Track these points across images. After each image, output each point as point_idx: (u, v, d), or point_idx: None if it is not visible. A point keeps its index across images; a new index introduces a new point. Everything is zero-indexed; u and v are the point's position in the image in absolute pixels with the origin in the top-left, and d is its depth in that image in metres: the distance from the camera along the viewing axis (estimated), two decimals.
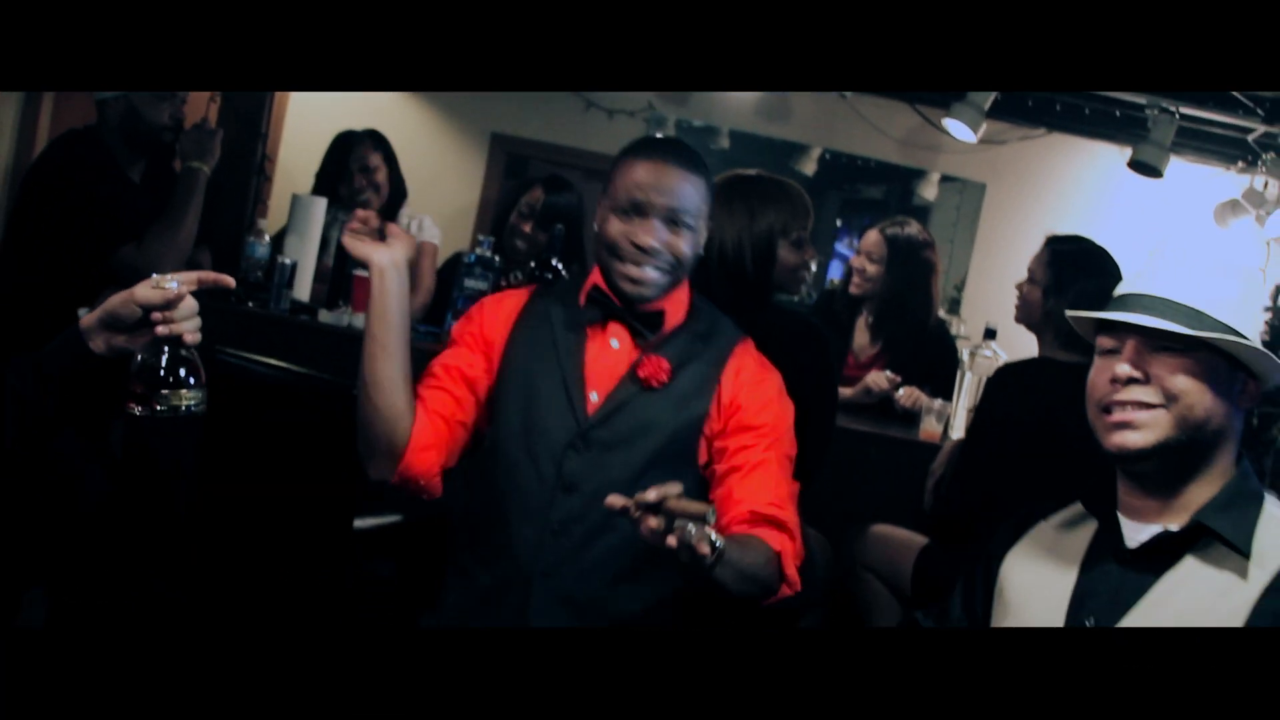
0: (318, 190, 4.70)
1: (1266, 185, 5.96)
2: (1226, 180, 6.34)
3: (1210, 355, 1.95)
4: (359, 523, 3.40)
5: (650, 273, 2.43)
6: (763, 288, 3.07)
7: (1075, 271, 3.58)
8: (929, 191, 7.00)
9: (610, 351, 2.48)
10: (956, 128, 5.66)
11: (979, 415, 3.53)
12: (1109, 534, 2.05)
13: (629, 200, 2.42)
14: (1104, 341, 2.04)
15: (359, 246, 2.42)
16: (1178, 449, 1.95)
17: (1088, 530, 2.10)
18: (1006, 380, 3.46)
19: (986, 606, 2.15)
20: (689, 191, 2.45)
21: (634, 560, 2.40)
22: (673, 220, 2.42)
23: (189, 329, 1.93)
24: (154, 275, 1.94)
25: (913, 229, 4.70)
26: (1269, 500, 1.99)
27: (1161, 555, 1.96)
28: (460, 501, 2.61)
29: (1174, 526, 1.97)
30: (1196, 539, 1.94)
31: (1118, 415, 1.97)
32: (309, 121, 6.18)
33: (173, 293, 1.92)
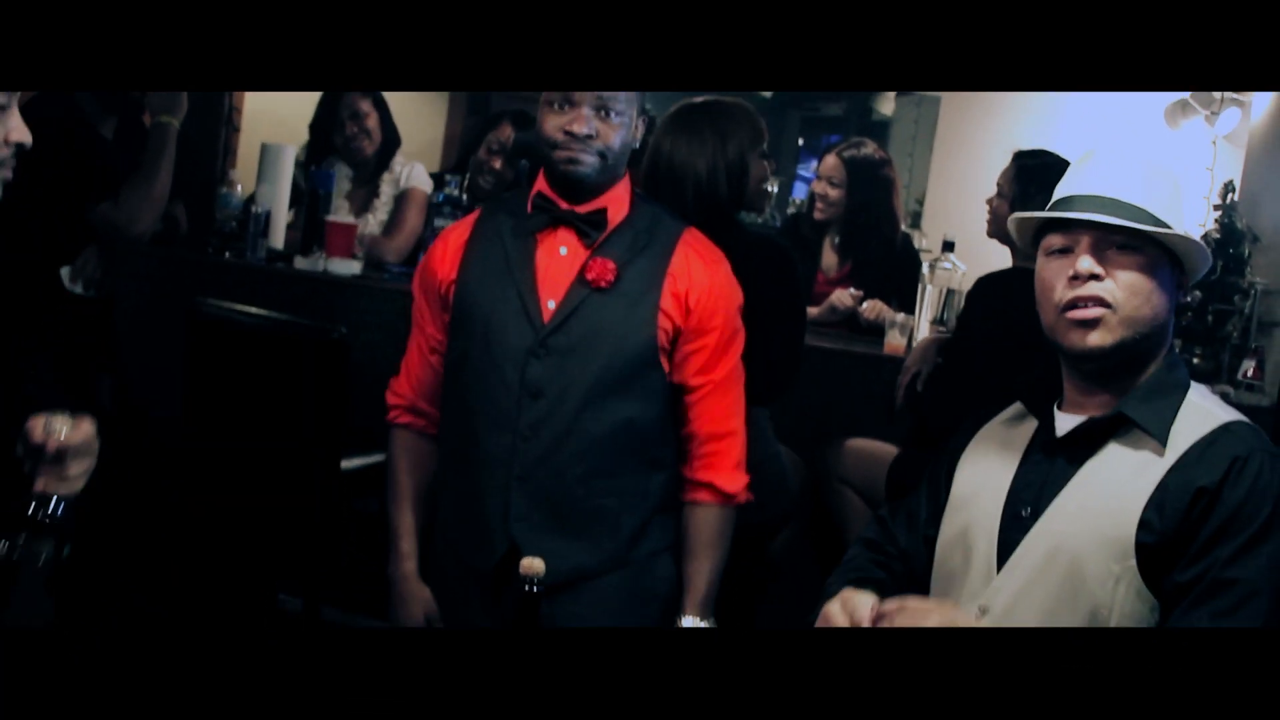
0: (313, 142, 4.77)
1: None
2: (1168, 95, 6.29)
3: (1157, 251, 2.02)
4: (346, 463, 3.52)
5: (585, 156, 2.51)
6: (734, 209, 3.17)
7: (1041, 185, 3.63)
8: (886, 107, 7.05)
9: (559, 258, 2.56)
10: None
11: (960, 325, 3.62)
12: (1045, 428, 2.13)
13: (560, 93, 2.51)
14: (1054, 240, 2.07)
15: None
16: (1131, 345, 2.01)
17: (1030, 426, 2.17)
18: (984, 290, 3.53)
19: (945, 502, 2.24)
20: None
21: (604, 458, 2.53)
22: (602, 109, 2.50)
23: (65, 486, 1.88)
24: (47, 421, 1.90)
25: (869, 149, 4.80)
26: (1194, 390, 2.07)
27: (1088, 443, 2.05)
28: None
29: (1098, 415, 2.06)
30: (1118, 426, 2.03)
31: (1079, 313, 2.01)
32: None
33: (54, 443, 1.88)
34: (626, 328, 2.53)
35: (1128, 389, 2.05)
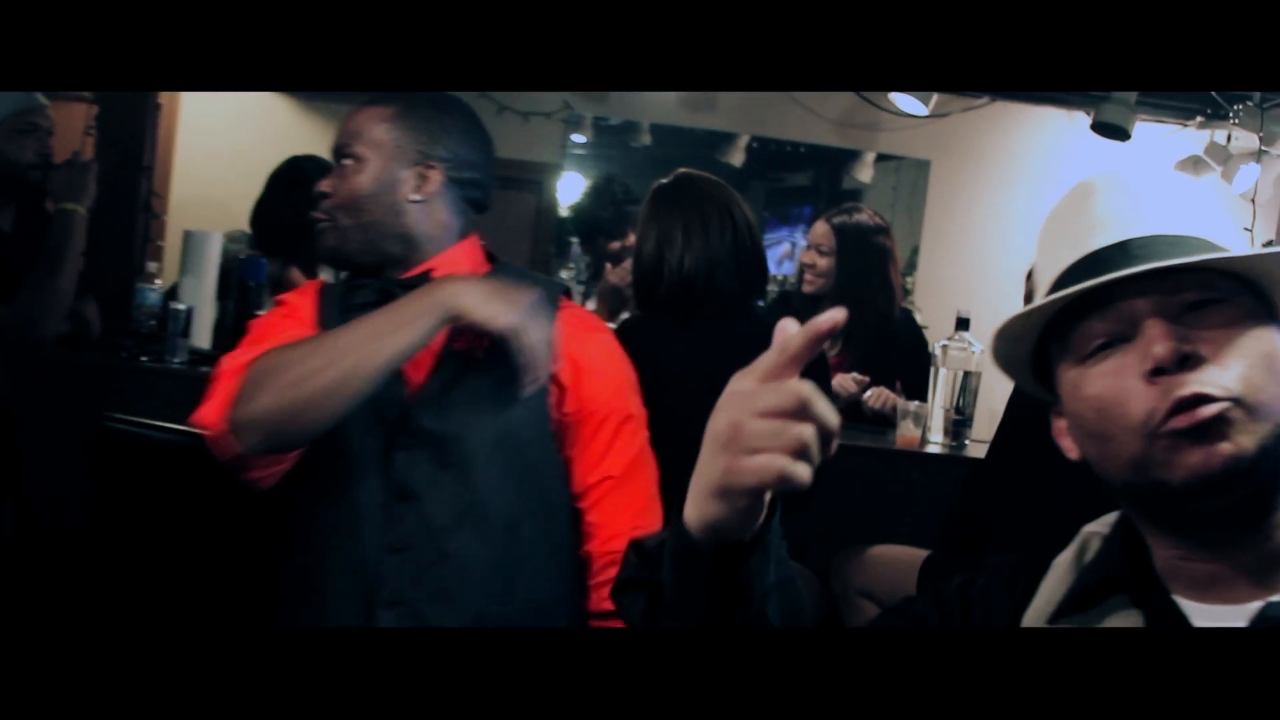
0: (261, 225, 4.29)
1: (1230, 138, 5.69)
2: (1184, 138, 6.10)
3: (1246, 297, 1.29)
4: None
5: (324, 223, 2.12)
6: (755, 298, 2.87)
7: None
8: (863, 174, 6.70)
9: None
10: (906, 101, 5.33)
11: (1010, 413, 3.21)
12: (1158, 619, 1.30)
13: None
14: (1093, 332, 1.31)
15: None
16: (1271, 452, 1.22)
17: (1124, 616, 1.32)
18: None
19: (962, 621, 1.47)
20: (357, 121, 2.13)
21: (502, 571, 2.03)
22: (340, 157, 2.11)
23: None
24: None
25: (863, 215, 4.36)
26: None
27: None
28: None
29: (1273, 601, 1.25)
30: None
31: (1186, 418, 1.21)
32: (201, 152, 5.80)
33: None
34: (506, 408, 2.04)
35: (1265, 532, 1.26)
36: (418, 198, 2.11)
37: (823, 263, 4.28)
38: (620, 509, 2.09)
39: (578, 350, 2.08)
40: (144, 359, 3.69)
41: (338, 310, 2.12)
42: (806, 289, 4.32)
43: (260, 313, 3.74)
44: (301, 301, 2.21)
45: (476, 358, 2.04)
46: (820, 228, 4.33)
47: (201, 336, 3.83)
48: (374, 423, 2.02)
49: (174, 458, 3.00)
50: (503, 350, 1.99)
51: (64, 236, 3.47)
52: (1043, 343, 1.38)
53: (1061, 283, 1.35)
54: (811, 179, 7.30)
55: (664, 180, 2.91)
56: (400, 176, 2.10)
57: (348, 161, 2.10)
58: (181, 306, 3.66)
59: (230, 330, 3.84)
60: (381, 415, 2.02)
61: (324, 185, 2.11)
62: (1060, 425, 1.39)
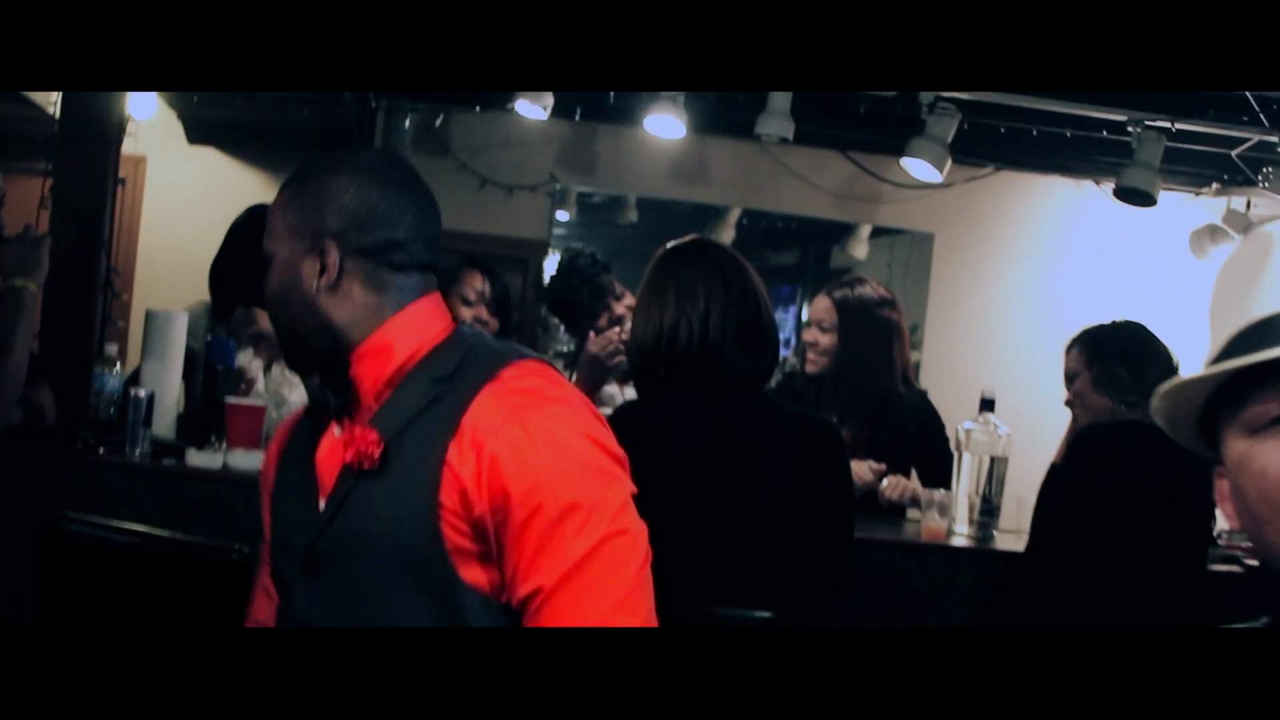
0: (217, 299, 4.09)
1: (1249, 205, 5.52)
2: (1197, 207, 5.98)
3: None
4: None
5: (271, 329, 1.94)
6: (767, 378, 2.61)
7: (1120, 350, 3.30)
8: (858, 249, 6.50)
9: (334, 440, 1.82)
10: (918, 167, 5.08)
11: (1064, 491, 3.15)
12: None
13: None
14: (1268, 404, 1.19)
15: None
16: None
17: None
18: (1102, 444, 3.12)
19: None
20: (272, 214, 1.86)
21: None
22: (267, 260, 1.85)
23: None
24: None
25: (866, 288, 4.08)
26: None
27: None
28: None
29: None
30: None
31: None
32: (165, 224, 5.60)
33: None
34: (395, 523, 1.71)
35: None
36: (322, 284, 1.80)
37: (825, 340, 4.00)
38: (562, 624, 1.67)
39: (493, 435, 1.69)
40: (102, 450, 3.47)
41: (303, 429, 1.92)
42: (810, 369, 4.05)
43: (230, 399, 3.49)
44: (274, 441, 2.05)
45: (364, 469, 1.74)
46: (822, 303, 4.06)
47: (165, 425, 3.61)
48: (288, 554, 1.84)
49: (133, 562, 2.80)
50: (395, 451, 1.73)
51: (12, 316, 3.27)
52: (1210, 404, 1.28)
53: (1233, 348, 1.23)
54: (798, 257, 7.12)
55: (677, 242, 2.64)
56: (300, 268, 1.81)
57: (271, 265, 1.85)
58: (143, 393, 3.44)
59: (198, 418, 3.60)
60: (297, 545, 1.81)
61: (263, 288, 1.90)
62: (1223, 489, 1.29)
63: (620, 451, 1.74)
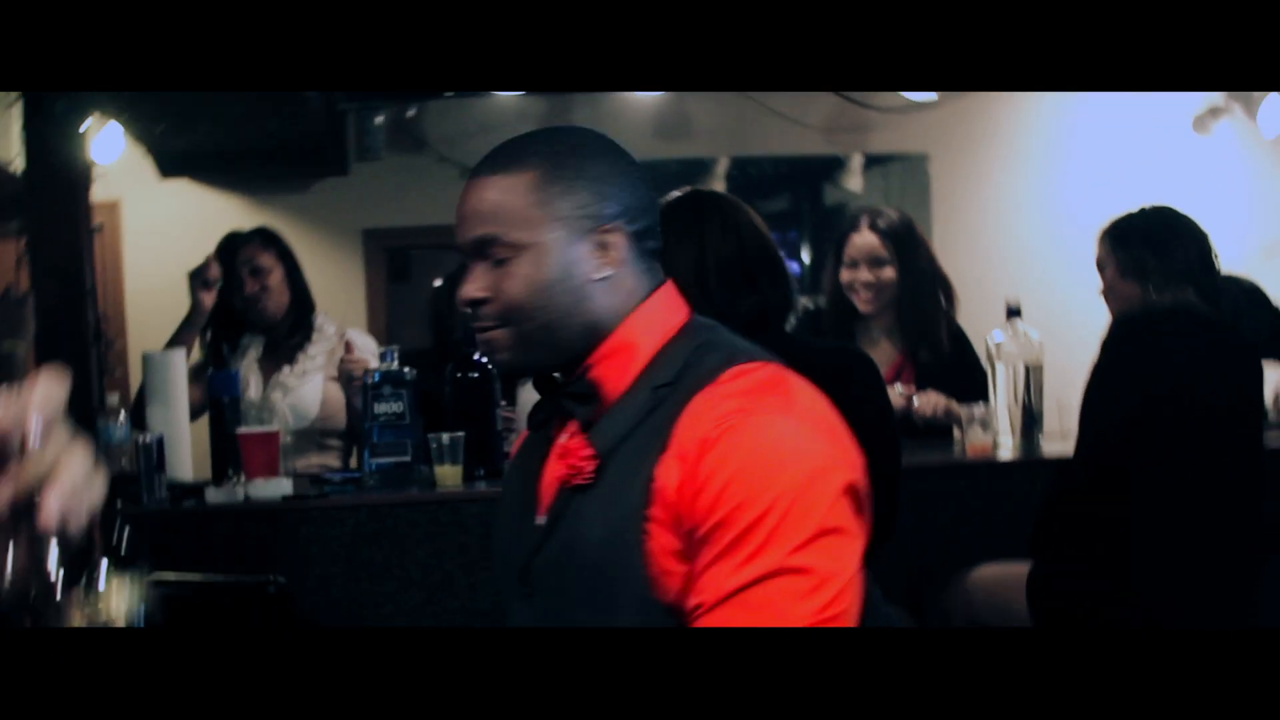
0: (217, 304, 4.07)
1: None
2: (1191, 100, 5.86)
3: None
4: None
5: (491, 335, 1.71)
6: (784, 317, 2.53)
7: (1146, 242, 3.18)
8: (852, 182, 6.35)
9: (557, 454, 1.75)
10: None
11: (1104, 385, 3.04)
12: None
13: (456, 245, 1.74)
14: None
15: None
16: None
17: None
18: (1138, 333, 3.03)
19: None
20: (494, 201, 1.69)
21: None
22: (483, 254, 1.69)
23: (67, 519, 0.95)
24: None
25: (892, 213, 3.94)
26: None
27: None
28: None
29: None
30: None
31: None
32: (149, 265, 5.52)
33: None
34: (601, 538, 1.63)
35: None
36: (603, 274, 1.71)
37: (884, 274, 3.82)
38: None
39: (696, 447, 1.58)
40: (119, 504, 3.31)
41: (528, 440, 1.86)
42: (865, 309, 3.89)
43: (241, 430, 3.40)
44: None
45: (578, 485, 1.66)
46: (866, 239, 3.84)
47: (180, 466, 3.50)
48: (507, 573, 1.79)
49: (169, 611, 2.72)
50: (609, 463, 1.64)
51: (9, 381, 3.11)
52: None
53: None
54: (790, 201, 6.97)
55: (675, 194, 2.53)
56: (576, 256, 1.69)
57: (499, 252, 1.68)
58: (150, 438, 3.30)
59: (218, 454, 3.51)
60: (509, 565, 1.78)
61: (473, 291, 1.70)
62: None
63: (838, 459, 1.61)
